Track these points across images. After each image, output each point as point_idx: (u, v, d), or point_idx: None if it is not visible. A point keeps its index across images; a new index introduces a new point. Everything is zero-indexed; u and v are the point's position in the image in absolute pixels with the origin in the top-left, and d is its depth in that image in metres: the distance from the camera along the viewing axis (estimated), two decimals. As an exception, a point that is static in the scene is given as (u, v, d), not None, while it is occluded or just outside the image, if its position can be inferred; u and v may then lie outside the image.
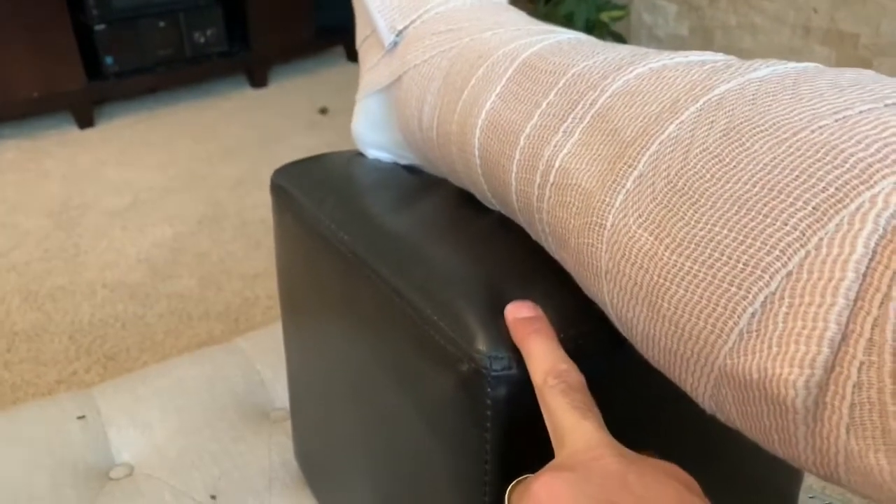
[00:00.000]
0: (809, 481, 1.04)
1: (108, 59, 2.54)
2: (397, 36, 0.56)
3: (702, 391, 0.34)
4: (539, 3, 2.60)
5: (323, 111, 2.68)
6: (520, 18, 0.53)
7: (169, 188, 2.20)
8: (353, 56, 3.17)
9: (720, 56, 0.40)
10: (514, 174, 0.44)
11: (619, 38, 2.61)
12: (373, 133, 0.62)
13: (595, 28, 2.51)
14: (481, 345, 0.41)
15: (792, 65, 0.36)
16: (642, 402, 0.46)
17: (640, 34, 2.80)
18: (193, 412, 0.81)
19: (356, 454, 0.59)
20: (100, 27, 2.50)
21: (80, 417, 0.81)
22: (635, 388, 0.45)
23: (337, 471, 0.64)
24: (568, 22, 2.47)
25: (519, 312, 0.41)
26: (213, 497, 0.70)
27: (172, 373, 0.87)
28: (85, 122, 2.59)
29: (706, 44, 2.61)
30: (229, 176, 2.24)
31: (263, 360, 0.89)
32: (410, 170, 0.62)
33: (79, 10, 2.48)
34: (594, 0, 2.48)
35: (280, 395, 0.86)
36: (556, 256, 0.45)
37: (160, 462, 0.76)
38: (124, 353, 1.54)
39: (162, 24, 2.60)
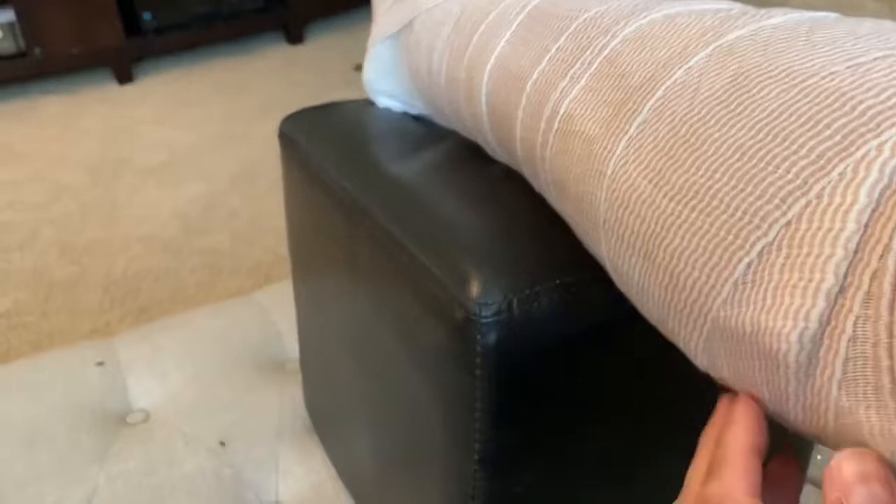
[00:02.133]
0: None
1: (147, 16, 2.55)
2: None
3: (694, 345, 0.33)
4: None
5: (358, 68, 2.65)
6: None
7: (204, 145, 2.21)
8: (390, 14, 3.13)
9: (737, 4, 0.38)
10: (520, 121, 0.43)
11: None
12: (384, 80, 0.61)
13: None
14: (473, 291, 0.40)
15: (809, 13, 0.34)
16: (640, 358, 0.44)
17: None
18: (209, 362, 0.82)
19: (357, 403, 0.58)
20: (138, -18, 2.50)
21: (98, 364, 0.82)
22: (633, 342, 0.43)
23: (341, 419, 0.63)
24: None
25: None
26: (223, 444, 0.71)
27: (191, 324, 0.88)
28: (124, 78, 2.61)
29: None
30: (264, 134, 2.25)
31: (280, 312, 0.89)
32: (419, 120, 0.60)
33: (117, -34, 2.48)
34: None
35: (294, 346, 0.86)
36: (558, 208, 0.43)
37: (175, 409, 0.77)
38: (156, 305, 1.56)
39: (199, -21, 2.59)
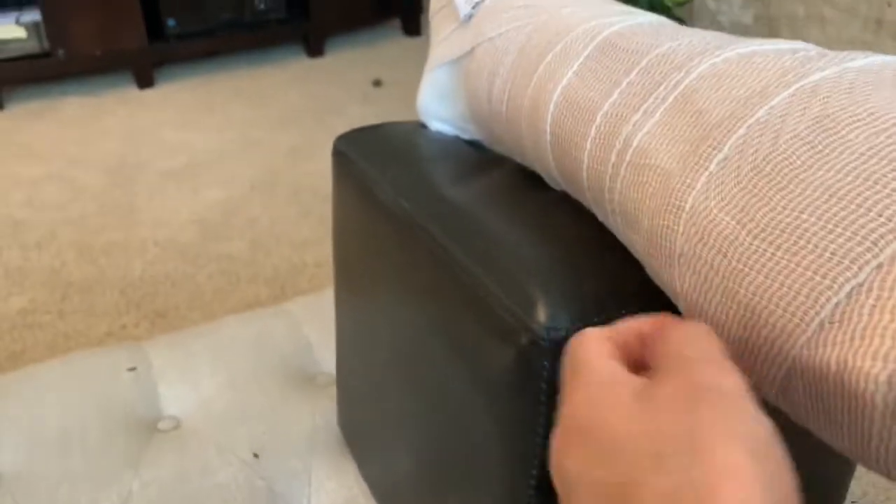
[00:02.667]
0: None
1: (171, 21, 2.58)
2: (473, 8, 0.55)
3: (770, 381, 0.34)
4: (602, -16, 2.56)
5: (377, 83, 2.68)
6: None
7: (224, 152, 2.23)
8: (408, 30, 3.16)
9: (811, 45, 0.39)
10: (587, 151, 0.43)
11: (681, 23, 2.55)
12: (438, 105, 0.62)
13: (657, 11, 2.46)
14: (541, 316, 0.41)
15: (891, 57, 0.35)
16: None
17: (703, 19, 2.73)
18: (241, 371, 0.82)
19: (401, 420, 0.59)
20: (163, -12, 2.53)
21: (130, 369, 0.83)
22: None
23: (380, 436, 0.64)
24: (630, 3, 2.43)
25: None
26: (256, 455, 0.71)
27: (222, 331, 0.89)
28: (145, 82, 2.63)
29: (771, 33, 2.53)
30: (283, 143, 2.26)
31: (311, 324, 0.90)
32: (472, 144, 0.61)
33: (144, -29, 2.51)
34: (659, -17, 2.43)
35: (326, 359, 0.87)
36: (622, 238, 0.44)
37: (206, 417, 0.78)
38: (173, 310, 1.57)
39: (224, -12, 2.62)
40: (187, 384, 0.81)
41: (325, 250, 1.76)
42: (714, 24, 2.70)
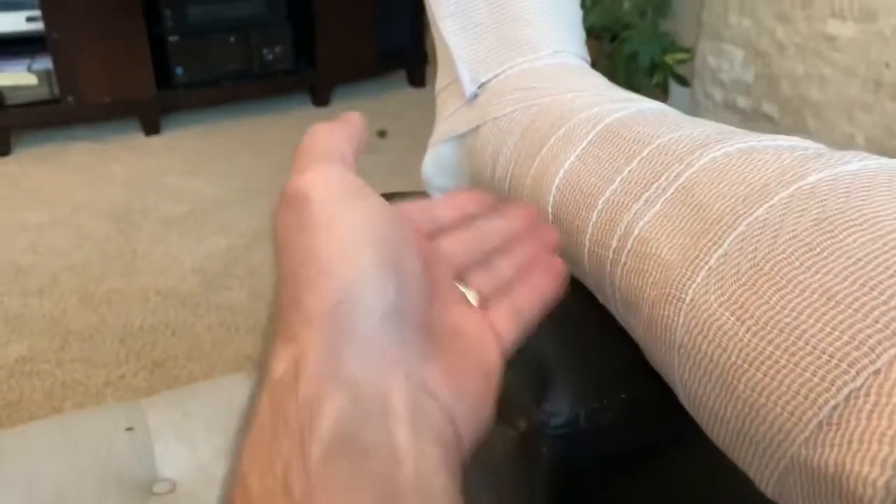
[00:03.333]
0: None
1: (179, 70, 2.62)
2: (479, 88, 0.56)
3: (768, 476, 0.34)
4: (604, 42, 2.61)
5: (381, 134, 2.71)
6: (601, 83, 0.54)
7: (227, 200, 2.24)
8: (414, 81, 3.21)
9: (809, 143, 0.40)
10: (588, 235, 0.44)
11: (683, 81, 2.59)
12: (442, 178, 0.63)
13: (658, 69, 2.50)
14: (540, 401, 0.41)
15: (885, 160, 0.36)
16: (693, 474, 0.45)
17: (704, 78, 2.77)
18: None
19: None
20: (173, 38, 2.58)
21: (128, 429, 0.82)
22: (688, 458, 0.44)
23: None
24: (632, 61, 2.47)
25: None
26: (254, 523, 0.71)
27: (221, 391, 0.88)
28: (151, 129, 2.66)
29: (771, 92, 2.57)
30: (286, 192, 2.28)
31: (311, 385, 0.90)
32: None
33: (154, 22, 2.56)
34: (659, 41, 2.47)
35: (324, 422, 0.86)
36: (622, 322, 0.44)
37: (203, 481, 0.77)
38: (172, 360, 1.56)
39: (233, 38, 2.67)
40: (184, 446, 0.81)
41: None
42: (715, 82, 2.74)
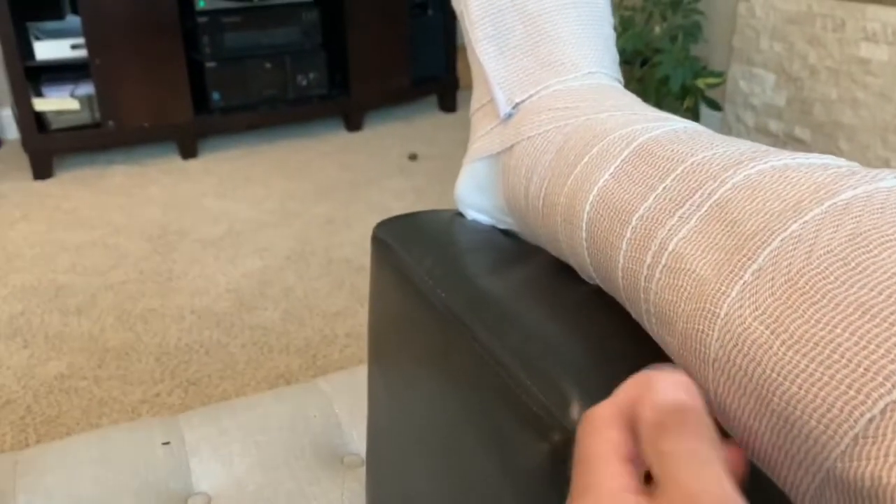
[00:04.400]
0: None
1: (216, 95, 2.68)
2: (514, 108, 0.57)
3: (803, 490, 0.34)
4: (635, 66, 2.61)
5: (413, 157, 2.74)
6: (635, 103, 0.54)
7: (262, 222, 2.28)
8: (445, 106, 3.24)
9: (842, 161, 0.40)
10: (622, 252, 0.44)
11: (714, 105, 2.58)
12: (476, 196, 0.64)
13: (690, 93, 2.50)
14: (575, 414, 0.41)
15: None
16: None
17: (736, 102, 2.77)
18: (273, 449, 0.83)
19: (433, 510, 0.59)
20: (211, 65, 2.64)
21: (165, 443, 0.84)
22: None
23: (412, 526, 0.64)
24: (663, 85, 2.47)
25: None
26: (288, 538, 0.71)
27: (256, 408, 0.90)
28: (189, 152, 2.72)
29: (804, 116, 2.56)
30: (320, 214, 2.31)
31: (341, 402, 0.91)
32: (507, 235, 0.63)
33: (193, 48, 2.62)
34: (691, 65, 2.48)
35: (354, 439, 0.87)
36: (656, 338, 0.44)
37: (237, 495, 0.78)
38: (206, 378, 1.59)
39: (268, 65, 2.72)
40: (219, 461, 0.82)
41: (356, 322, 1.78)
42: (747, 106, 2.73)
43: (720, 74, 2.54)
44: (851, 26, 2.34)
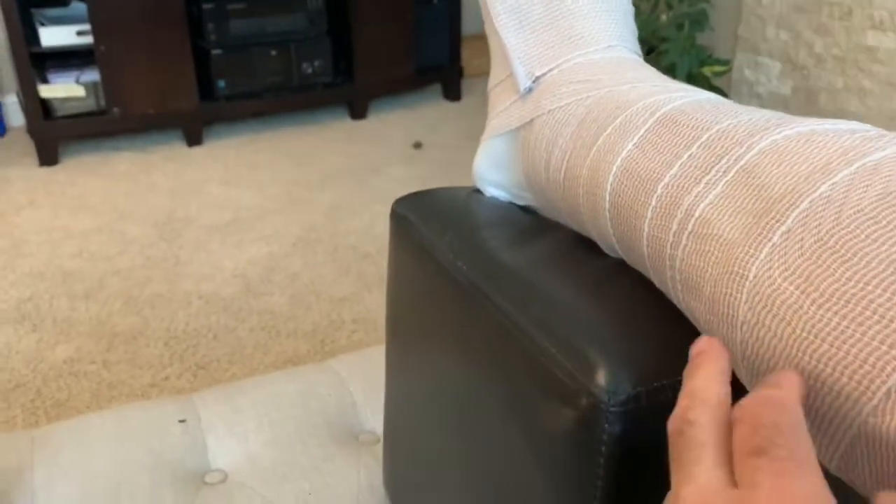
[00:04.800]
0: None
1: (221, 83, 2.68)
2: (534, 82, 0.58)
3: (833, 449, 0.34)
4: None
5: (417, 145, 2.74)
6: (655, 76, 0.54)
7: (267, 209, 2.28)
8: (449, 95, 3.23)
9: (869, 126, 0.40)
10: (648, 220, 0.45)
11: (720, 93, 2.58)
12: (494, 172, 0.64)
13: (696, 81, 2.50)
14: (601, 379, 0.41)
15: None
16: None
17: (741, 90, 2.76)
18: (287, 427, 0.83)
19: (451, 483, 0.59)
20: (216, 52, 2.64)
21: (181, 421, 0.84)
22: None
23: (428, 495, 0.64)
24: (669, 73, 2.47)
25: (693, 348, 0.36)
26: (305, 512, 0.72)
27: (269, 387, 0.90)
28: (194, 140, 2.72)
29: (809, 105, 2.55)
30: (325, 201, 2.31)
31: (355, 382, 0.91)
32: (526, 210, 0.63)
33: (198, 35, 2.62)
34: (697, 53, 2.47)
35: (369, 418, 0.87)
36: (682, 305, 0.45)
37: (253, 472, 0.79)
38: (214, 363, 1.59)
39: (274, 52, 2.72)
40: (235, 438, 0.83)
41: (363, 308, 1.78)
42: (752, 96, 2.73)
43: (726, 63, 2.53)
44: (858, 14, 2.34)
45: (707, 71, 2.49)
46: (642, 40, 2.59)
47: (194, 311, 1.77)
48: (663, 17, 2.60)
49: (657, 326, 0.45)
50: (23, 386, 1.52)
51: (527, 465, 0.48)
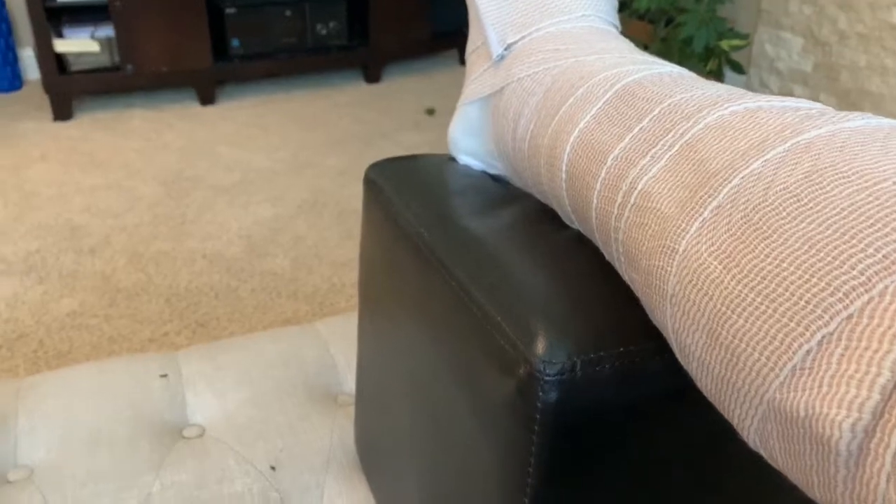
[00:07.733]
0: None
1: (235, 42, 2.67)
2: (506, 49, 0.57)
3: (748, 423, 0.34)
4: (658, 26, 2.56)
5: (430, 112, 2.72)
6: (626, 47, 0.54)
7: (275, 170, 2.29)
8: (464, 60, 3.20)
9: (817, 104, 0.40)
10: (596, 192, 0.45)
11: (738, 68, 2.54)
12: (468, 139, 0.64)
13: (713, 55, 2.45)
14: (538, 349, 0.42)
15: (887, 120, 0.36)
16: (689, 429, 0.46)
17: (761, 66, 2.71)
18: (266, 386, 0.85)
19: (408, 445, 0.60)
20: (230, 10, 2.63)
21: (162, 376, 0.86)
22: (685, 414, 0.44)
23: (390, 457, 0.65)
24: (686, 46, 2.42)
25: None
26: (273, 468, 0.73)
27: (252, 346, 0.91)
28: (207, 99, 2.73)
29: (830, 82, 2.50)
30: (333, 166, 2.32)
31: (338, 345, 0.92)
32: (497, 180, 0.63)
33: (213, -6, 2.61)
34: (716, 25, 2.42)
35: (349, 381, 0.88)
36: (626, 277, 0.45)
37: (229, 428, 0.80)
38: (214, 321, 1.61)
39: (288, 12, 2.71)
40: (214, 395, 0.84)
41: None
42: (772, 71, 2.68)
43: (745, 37, 2.48)
44: (884, -10, 2.28)
45: (725, 45, 2.45)
46: (662, 11, 2.55)
47: (197, 270, 1.79)
48: (683, -12, 2.55)
49: (603, 300, 0.46)
50: (26, 336, 1.55)
51: (472, 431, 0.48)
